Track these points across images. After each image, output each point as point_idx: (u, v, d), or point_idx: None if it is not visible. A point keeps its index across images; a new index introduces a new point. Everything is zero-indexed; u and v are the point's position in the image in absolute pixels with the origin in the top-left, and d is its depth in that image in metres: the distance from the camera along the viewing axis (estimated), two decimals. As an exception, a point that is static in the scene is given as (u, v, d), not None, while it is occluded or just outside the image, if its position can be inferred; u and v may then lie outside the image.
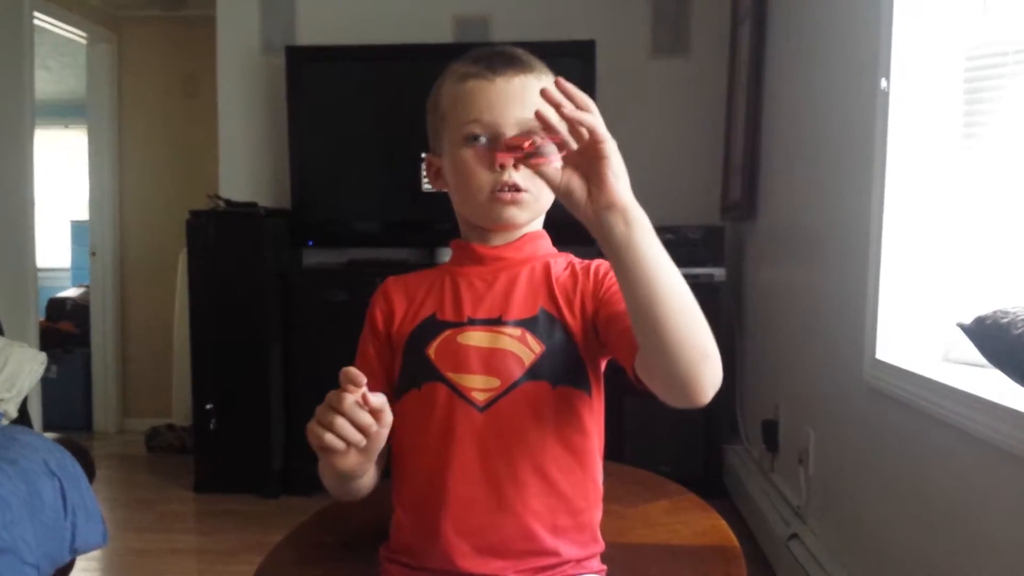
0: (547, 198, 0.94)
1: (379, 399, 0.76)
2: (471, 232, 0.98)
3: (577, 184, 0.74)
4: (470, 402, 0.89)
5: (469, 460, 0.89)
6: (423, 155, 1.01)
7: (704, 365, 0.74)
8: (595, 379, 0.94)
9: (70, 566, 2.22)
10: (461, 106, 0.91)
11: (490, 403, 0.89)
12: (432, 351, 0.92)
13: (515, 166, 0.87)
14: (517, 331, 0.91)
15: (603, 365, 0.95)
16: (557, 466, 0.90)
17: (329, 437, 0.75)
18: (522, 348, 0.90)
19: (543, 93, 0.70)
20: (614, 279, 0.89)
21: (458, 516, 0.89)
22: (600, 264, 0.94)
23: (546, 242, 1.00)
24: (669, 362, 0.75)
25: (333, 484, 0.90)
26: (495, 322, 0.92)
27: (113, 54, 4.18)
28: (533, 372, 0.89)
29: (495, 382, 0.89)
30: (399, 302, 0.98)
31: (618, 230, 0.73)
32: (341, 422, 0.75)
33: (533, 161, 0.78)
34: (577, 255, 1.00)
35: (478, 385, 0.89)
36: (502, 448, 0.89)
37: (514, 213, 0.92)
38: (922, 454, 1.53)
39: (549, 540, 0.90)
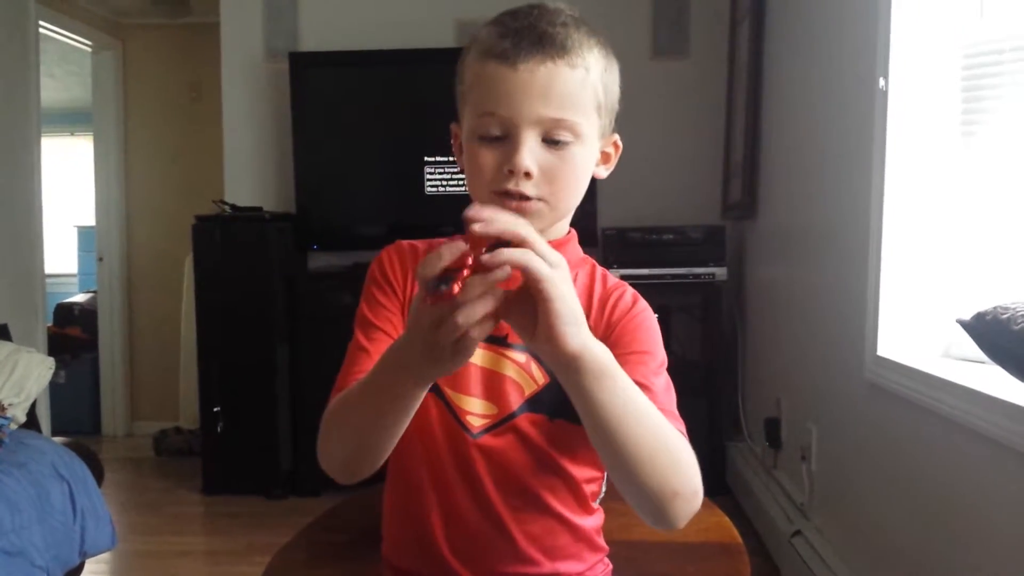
0: (569, 200, 0.83)
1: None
2: None
3: (522, 324, 0.63)
4: (464, 427, 0.84)
5: (461, 484, 0.85)
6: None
7: (673, 504, 0.71)
8: None
9: (79, 569, 2.24)
10: (479, 91, 0.80)
11: (484, 431, 0.85)
12: None
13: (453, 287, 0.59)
14: (522, 357, 0.85)
15: None
16: (552, 494, 0.87)
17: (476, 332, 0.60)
18: (524, 377, 0.85)
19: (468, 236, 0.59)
20: (629, 328, 0.84)
21: (453, 536, 0.86)
22: (619, 301, 0.87)
23: (571, 247, 0.90)
24: (636, 499, 0.72)
25: (381, 422, 0.74)
26: (500, 341, 0.85)
27: (118, 62, 4.20)
28: (532, 403, 0.85)
29: (493, 409, 0.85)
30: (408, 273, 0.89)
31: (569, 379, 0.65)
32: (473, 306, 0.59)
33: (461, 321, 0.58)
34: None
35: (476, 409, 0.85)
36: (494, 476, 0.85)
37: None
38: (923, 450, 1.54)
39: (547, 564, 0.87)
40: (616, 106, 0.85)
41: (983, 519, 1.31)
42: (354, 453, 0.78)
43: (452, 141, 0.89)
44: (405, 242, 0.93)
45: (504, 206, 0.77)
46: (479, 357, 0.85)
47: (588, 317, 0.78)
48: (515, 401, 0.85)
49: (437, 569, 0.87)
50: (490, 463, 0.85)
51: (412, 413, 0.73)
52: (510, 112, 0.77)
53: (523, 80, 0.77)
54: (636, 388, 0.69)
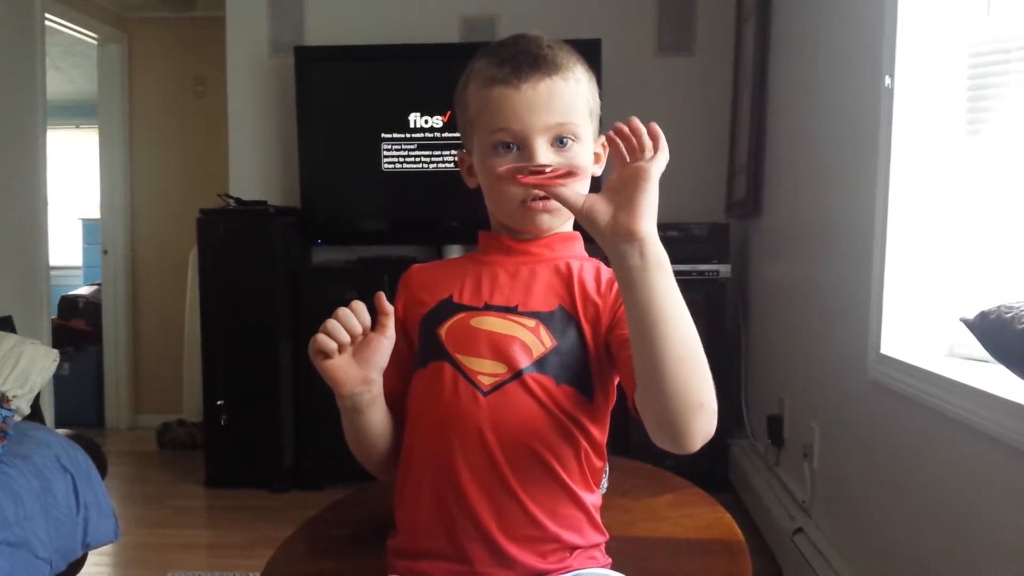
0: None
1: (386, 305, 0.87)
2: (502, 229, 0.99)
3: (602, 208, 0.75)
4: (475, 385, 0.89)
5: (471, 442, 0.89)
6: (455, 154, 1.01)
7: (698, 416, 0.75)
8: (600, 387, 0.93)
9: (82, 561, 2.25)
10: (488, 114, 0.91)
11: (494, 388, 0.89)
12: (443, 331, 0.92)
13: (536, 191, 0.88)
14: (532, 322, 0.91)
15: (616, 380, 0.94)
16: (556, 457, 0.90)
17: (320, 337, 0.84)
18: (533, 339, 0.90)
19: (617, 132, 0.78)
20: None
21: (461, 498, 0.89)
22: None
23: (578, 244, 1.00)
24: (662, 406, 0.75)
25: (351, 434, 0.95)
26: (511, 310, 0.93)
27: (123, 55, 4.21)
28: (540, 364, 0.89)
29: (501, 368, 0.89)
30: (420, 289, 0.99)
31: (632, 262, 0.73)
32: (332, 323, 0.85)
33: (552, 187, 0.80)
34: (590, 251, 1.00)
35: (485, 369, 0.90)
36: (504, 433, 0.88)
37: (545, 219, 0.94)
38: (926, 448, 1.54)
39: (551, 526, 0.90)
40: (599, 112, 0.97)
41: (985, 518, 1.31)
42: (365, 460, 0.97)
43: (459, 166, 1.01)
44: (416, 266, 1.04)
45: (531, 208, 0.92)
46: (491, 324, 0.92)
47: (599, 291, 0.93)
48: (523, 360, 0.90)
49: (445, 539, 0.90)
50: (498, 420, 0.89)
51: (377, 426, 0.93)
52: (520, 125, 0.89)
53: (527, 96, 0.89)
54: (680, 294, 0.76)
